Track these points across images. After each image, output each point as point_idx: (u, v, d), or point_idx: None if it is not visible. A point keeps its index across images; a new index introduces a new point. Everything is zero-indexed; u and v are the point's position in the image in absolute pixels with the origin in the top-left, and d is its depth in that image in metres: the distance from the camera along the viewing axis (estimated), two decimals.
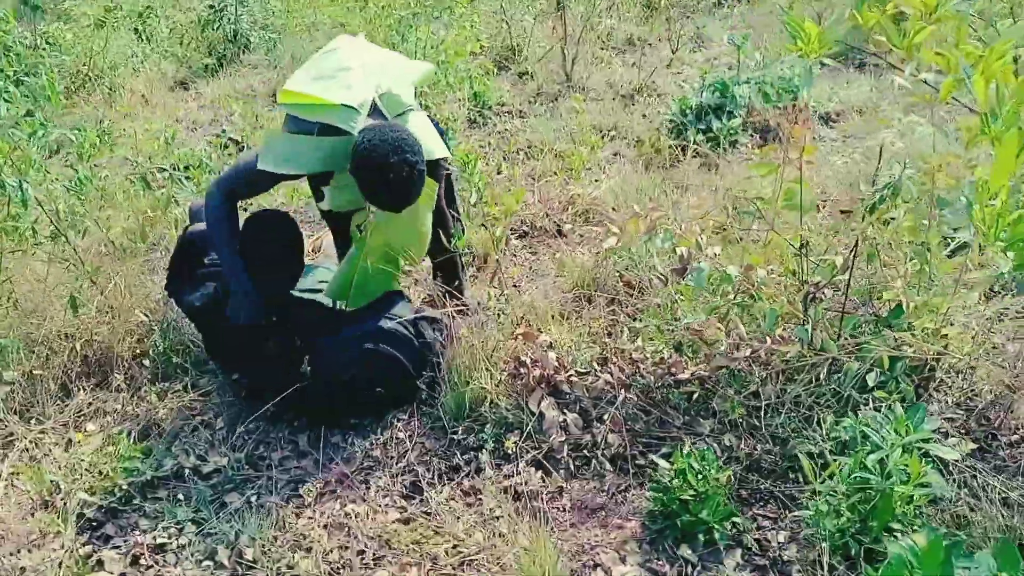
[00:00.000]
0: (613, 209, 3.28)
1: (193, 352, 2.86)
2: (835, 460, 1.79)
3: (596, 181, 3.80)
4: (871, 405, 1.94)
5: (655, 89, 5.33)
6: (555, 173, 3.79)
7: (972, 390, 2.07)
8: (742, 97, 3.92)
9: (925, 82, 1.34)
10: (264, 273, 2.44)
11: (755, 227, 2.12)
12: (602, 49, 6.01)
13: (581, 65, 5.65)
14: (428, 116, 2.52)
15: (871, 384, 1.97)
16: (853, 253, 1.87)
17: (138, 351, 2.79)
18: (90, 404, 2.66)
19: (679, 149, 3.96)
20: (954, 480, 1.85)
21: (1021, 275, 1.90)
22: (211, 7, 8.70)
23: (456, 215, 2.72)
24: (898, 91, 4.29)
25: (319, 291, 2.93)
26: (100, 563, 2.03)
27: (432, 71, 2.77)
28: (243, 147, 5.59)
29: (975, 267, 1.91)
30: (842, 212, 1.88)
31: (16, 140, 2.33)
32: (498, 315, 2.38)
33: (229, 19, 8.68)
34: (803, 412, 2.04)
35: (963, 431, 1.97)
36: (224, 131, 5.80)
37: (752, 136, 3.99)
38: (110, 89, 6.74)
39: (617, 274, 2.79)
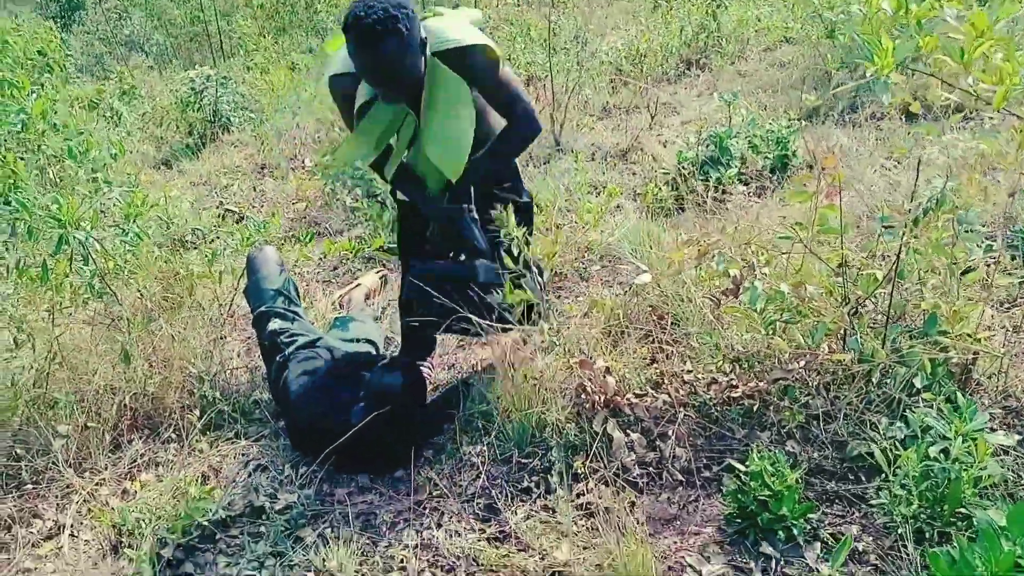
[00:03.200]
0: (632, 252, 3.45)
1: (241, 402, 2.91)
2: (899, 454, 1.93)
3: (603, 231, 3.99)
4: (920, 406, 2.09)
5: (641, 149, 5.63)
6: (561, 225, 3.97)
7: (1006, 391, 2.24)
8: (736, 149, 4.19)
9: (976, 95, 1.53)
10: None
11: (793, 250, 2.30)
12: (588, 116, 6.32)
13: (568, 130, 5.94)
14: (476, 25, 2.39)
15: (918, 387, 2.13)
16: (895, 265, 2.05)
17: (188, 403, 2.83)
18: (143, 455, 2.68)
19: (677, 199, 4.20)
20: (1007, 467, 2.00)
21: None
22: (192, 89, 8.87)
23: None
24: (877, 139, 4.63)
25: (358, 341, 3.03)
26: None
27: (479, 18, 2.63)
28: (243, 218, 5.71)
29: (997, 276, 2.10)
30: (885, 227, 2.06)
31: (81, 198, 2.42)
32: (553, 346, 2.49)
33: (209, 100, 8.86)
34: (856, 417, 2.18)
35: (1005, 426, 2.13)
36: (222, 203, 5.91)
37: (747, 184, 4.25)
38: (93, 171, 6.82)
39: (649, 308, 2.94)
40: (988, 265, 2.15)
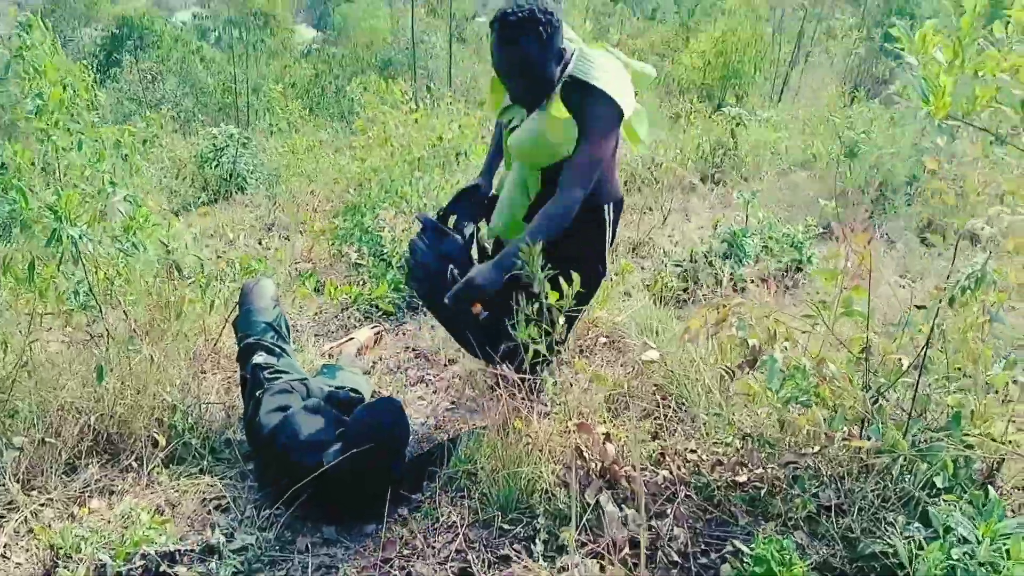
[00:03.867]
0: (642, 333, 3.34)
1: (211, 438, 2.74)
2: (919, 554, 1.75)
3: (610, 312, 3.89)
4: (940, 507, 1.93)
5: (653, 244, 5.61)
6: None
7: None
8: (751, 248, 4.13)
9: None
10: None
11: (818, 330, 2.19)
12: None
13: None
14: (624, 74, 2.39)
15: (939, 486, 1.97)
16: (924, 351, 1.93)
17: (155, 431, 2.66)
18: (97, 480, 2.50)
19: (687, 291, 4.13)
20: None
21: None
22: (213, 145, 8.97)
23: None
24: (891, 257, 4.59)
25: (348, 389, 2.88)
26: None
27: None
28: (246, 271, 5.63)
29: None
30: (917, 307, 1.95)
31: (84, 194, 2.33)
32: (553, 406, 2.34)
33: (229, 158, 8.95)
34: (870, 513, 2.01)
35: None
36: (226, 251, 5.84)
37: (757, 284, 4.17)
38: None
39: (654, 387, 2.80)
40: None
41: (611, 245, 2.64)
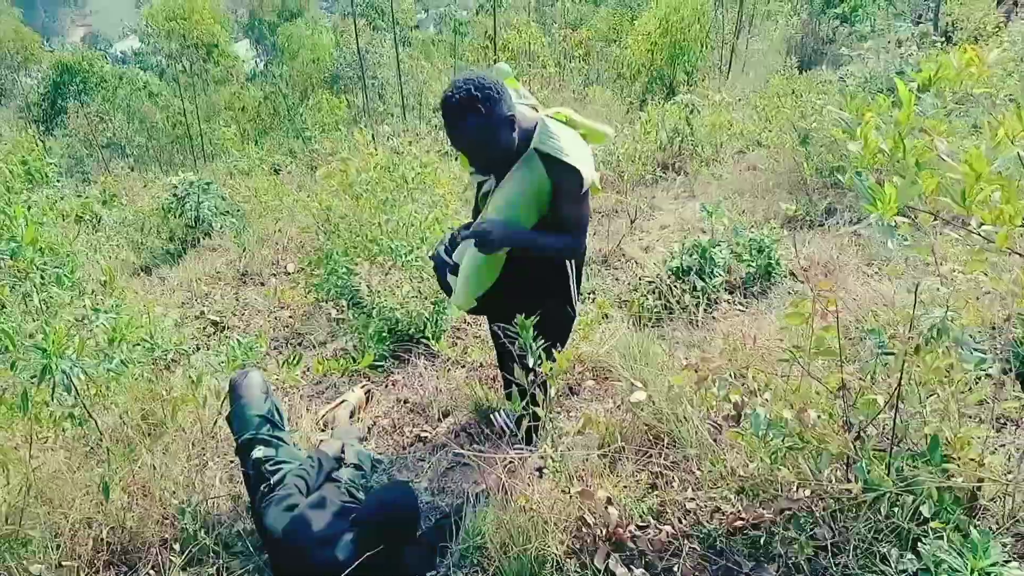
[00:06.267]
0: (623, 365, 3.42)
1: (223, 533, 2.79)
2: None
3: (592, 343, 3.98)
4: (930, 536, 2.04)
5: (623, 254, 5.70)
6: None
7: (1014, 515, 2.20)
8: (720, 258, 4.24)
9: (982, 236, 1.56)
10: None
11: (792, 374, 2.29)
12: None
13: None
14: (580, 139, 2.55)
15: (926, 515, 2.08)
16: (897, 392, 2.04)
17: (167, 535, 2.71)
18: None
19: (665, 307, 4.22)
20: None
21: None
22: (174, 195, 8.90)
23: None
24: (855, 245, 4.72)
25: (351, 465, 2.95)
26: None
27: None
28: (224, 327, 5.64)
29: (1004, 399, 2.09)
30: (885, 353, 2.05)
31: (69, 326, 2.36)
32: (554, 474, 2.42)
33: (191, 206, 8.89)
34: (864, 548, 2.12)
35: (1017, 556, 2.08)
36: (203, 312, 5.84)
37: (732, 292, 4.28)
38: (80, 294, 6.81)
39: (645, 427, 2.89)
40: (988, 383, 2.15)
41: (577, 289, 2.77)
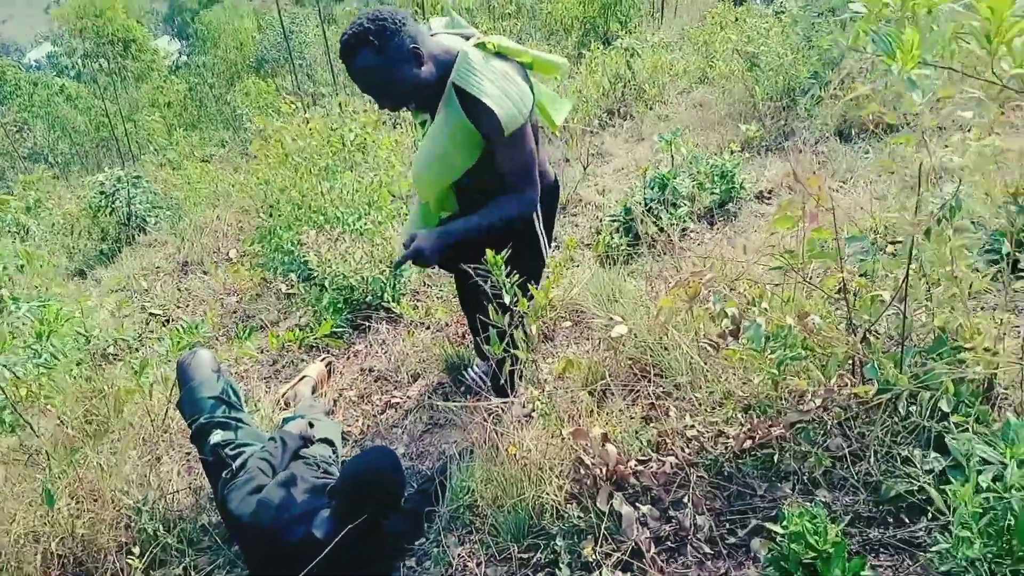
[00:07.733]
0: (597, 305, 3.24)
1: (187, 530, 2.55)
2: (944, 489, 1.71)
3: (559, 284, 3.78)
4: (953, 431, 1.90)
5: (580, 199, 5.50)
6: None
7: None
8: (684, 188, 4.06)
9: (1004, 84, 1.38)
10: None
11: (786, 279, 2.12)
12: None
13: None
14: (516, 71, 2.25)
15: (945, 410, 1.94)
16: (905, 283, 1.87)
17: (124, 539, 2.46)
18: None
19: (630, 245, 4.04)
20: None
21: None
22: (102, 192, 8.46)
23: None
24: (818, 164, 4.59)
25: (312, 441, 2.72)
26: None
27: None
28: (168, 319, 5.31)
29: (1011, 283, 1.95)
30: (892, 243, 1.89)
31: None
32: (543, 417, 2.23)
33: (122, 202, 8.45)
34: (884, 453, 1.97)
35: None
36: (144, 307, 5.51)
37: (699, 221, 4.12)
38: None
39: (629, 361, 2.71)
40: (998, 266, 2.00)
41: (549, 237, 2.56)
